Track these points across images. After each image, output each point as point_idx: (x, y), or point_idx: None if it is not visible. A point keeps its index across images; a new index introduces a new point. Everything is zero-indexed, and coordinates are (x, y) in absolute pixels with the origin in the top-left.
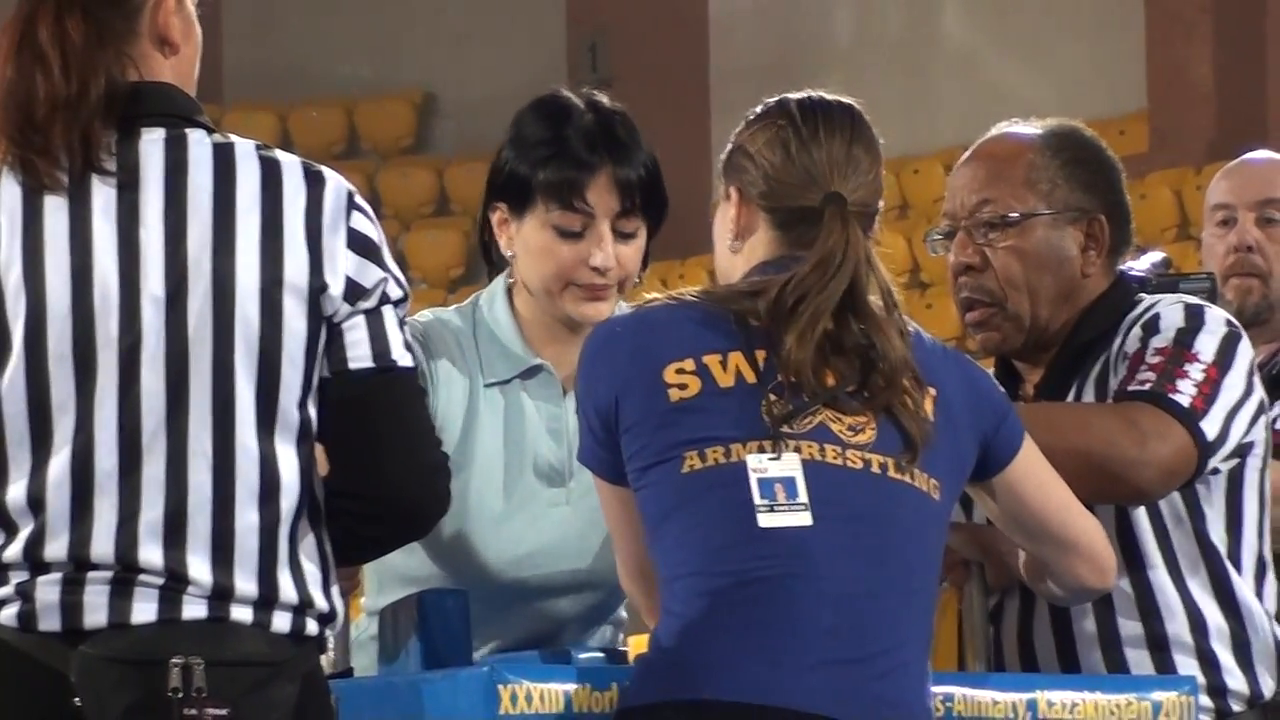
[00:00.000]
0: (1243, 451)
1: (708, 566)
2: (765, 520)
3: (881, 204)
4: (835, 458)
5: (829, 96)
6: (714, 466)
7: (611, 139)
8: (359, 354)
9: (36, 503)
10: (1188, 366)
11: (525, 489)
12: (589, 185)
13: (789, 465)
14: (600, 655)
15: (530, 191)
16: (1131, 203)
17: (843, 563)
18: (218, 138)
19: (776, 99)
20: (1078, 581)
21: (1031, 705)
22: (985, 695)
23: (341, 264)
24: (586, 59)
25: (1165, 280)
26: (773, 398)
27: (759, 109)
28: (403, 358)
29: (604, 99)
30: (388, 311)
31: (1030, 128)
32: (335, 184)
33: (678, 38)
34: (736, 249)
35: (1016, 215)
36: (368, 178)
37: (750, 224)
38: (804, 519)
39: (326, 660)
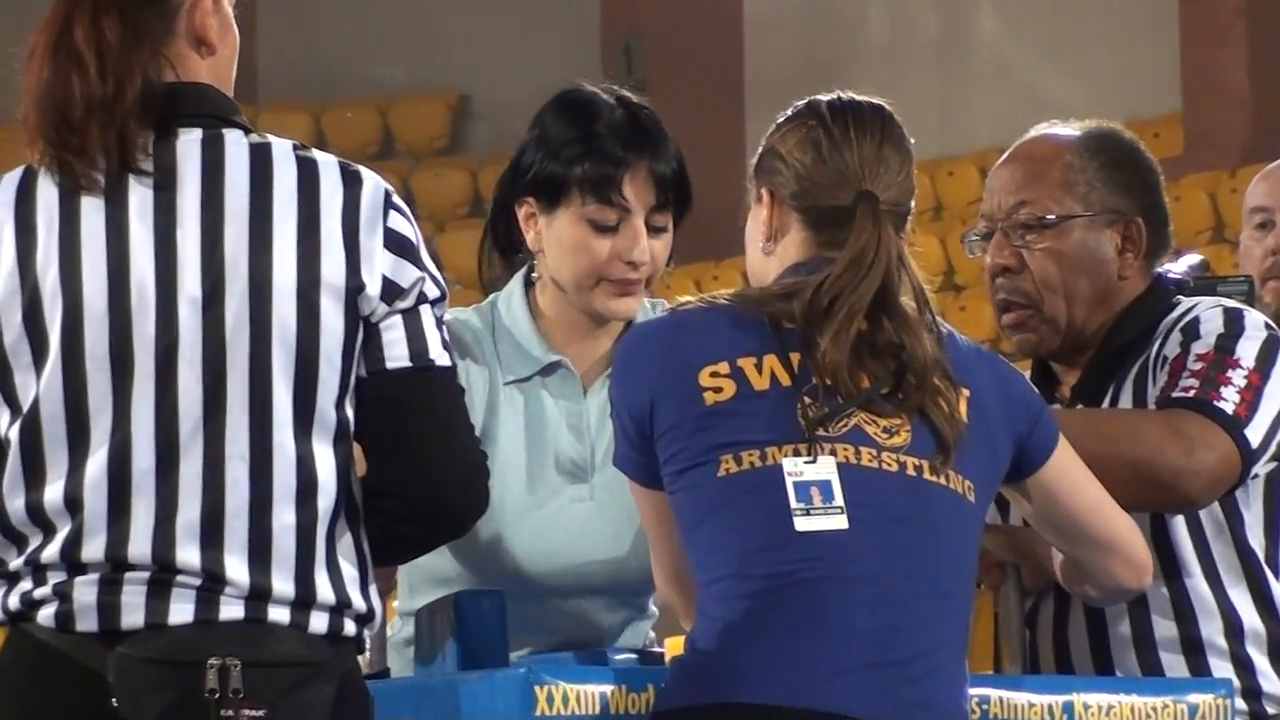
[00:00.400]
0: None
1: (743, 570)
2: (802, 524)
3: (914, 204)
4: (870, 460)
5: (859, 97)
6: (749, 470)
7: (644, 134)
8: (396, 354)
9: (74, 503)
10: (1231, 373)
11: (548, 485)
12: (626, 179)
13: (825, 469)
14: (636, 656)
15: (565, 186)
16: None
17: (878, 566)
18: (255, 138)
19: (806, 100)
20: (1114, 582)
21: (1068, 707)
22: (1021, 697)
23: (378, 264)
24: (621, 61)
25: (1203, 283)
26: (807, 400)
27: (789, 111)
28: (441, 357)
29: (629, 94)
30: (425, 311)
31: (1069, 129)
32: (372, 184)
33: (713, 40)
34: (769, 251)
35: (1053, 217)
36: (402, 179)
37: (783, 225)
38: (840, 523)
39: (363, 660)
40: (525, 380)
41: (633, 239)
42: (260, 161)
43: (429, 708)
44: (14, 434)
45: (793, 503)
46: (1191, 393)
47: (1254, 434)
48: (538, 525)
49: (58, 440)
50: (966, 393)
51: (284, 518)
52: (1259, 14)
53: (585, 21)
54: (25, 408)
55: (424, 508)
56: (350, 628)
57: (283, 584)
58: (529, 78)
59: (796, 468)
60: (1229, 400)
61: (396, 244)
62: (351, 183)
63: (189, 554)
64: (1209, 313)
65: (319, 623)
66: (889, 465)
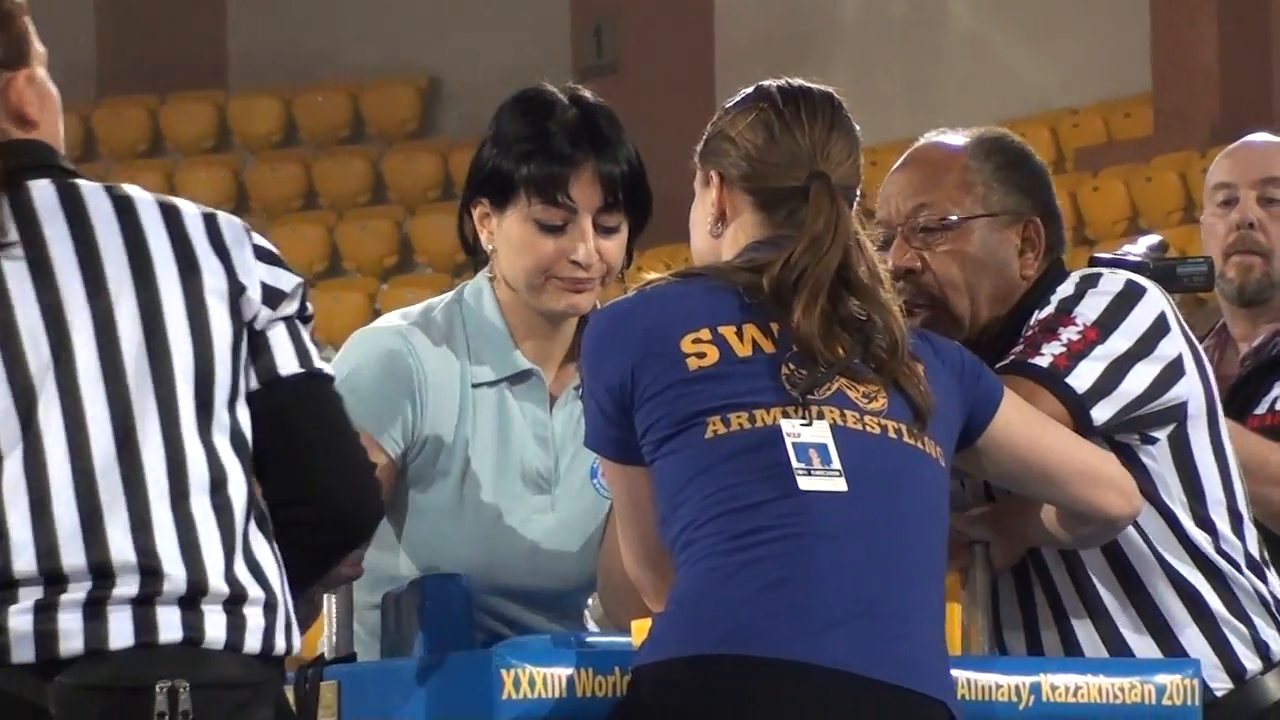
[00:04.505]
0: (1177, 415)
1: (734, 525)
2: (805, 483)
3: (860, 189)
4: (855, 423)
5: (808, 83)
6: (740, 431)
7: (595, 134)
8: (287, 359)
9: None
10: (1061, 330)
11: (513, 495)
12: (572, 180)
13: (820, 432)
14: (604, 638)
15: (513, 186)
16: (1137, 185)
17: (867, 525)
18: (107, 185)
19: (754, 86)
20: (1107, 512)
21: (1035, 688)
22: (989, 679)
23: (255, 271)
24: (591, 43)
25: (1162, 264)
26: (792, 366)
27: (737, 96)
28: (325, 366)
29: (587, 93)
30: (302, 327)
31: (958, 135)
32: (229, 217)
33: (683, 21)
34: (717, 233)
35: (955, 219)
36: (372, 162)
37: (734, 208)
38: (839, 485)
39: (328, 646)
40: (493, 384)
41: (578, 239)
42: (120, 199)
43: (396, 691)
44: None
45: (794, 462)
46: (1011, 357)
47: (1079, 380)
48: (500, 534)
49: None
50: (920, 365)
51: (202, 506)
52: None
53: (555, 3)
54: None
55: (326, 510)
56: (280, 643)
57: (215, 578)
58: (500, 60)
59: (794, 429)
60: (1046, 354)
61: (267, 256)
62: (209, 216)
63: (123, 550)
64: (1066, 283)
65: (253, 640)
66: (872, 428)
